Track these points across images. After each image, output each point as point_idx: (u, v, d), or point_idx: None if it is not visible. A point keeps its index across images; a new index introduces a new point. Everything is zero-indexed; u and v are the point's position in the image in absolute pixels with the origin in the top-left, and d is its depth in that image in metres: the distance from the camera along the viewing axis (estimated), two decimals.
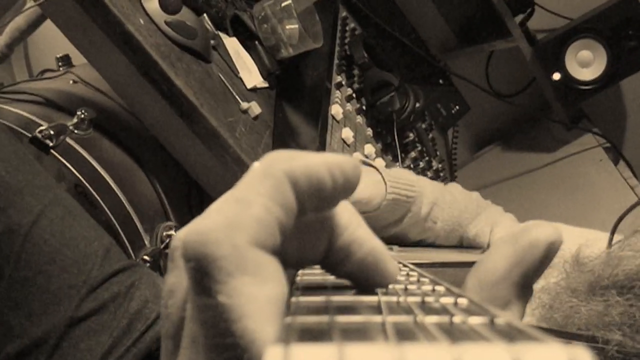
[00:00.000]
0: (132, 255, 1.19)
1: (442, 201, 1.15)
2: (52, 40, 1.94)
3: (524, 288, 0.34)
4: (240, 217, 0.26)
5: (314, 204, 0.29)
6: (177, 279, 0.30)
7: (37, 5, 1.25)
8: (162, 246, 1.26)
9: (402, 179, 1.09)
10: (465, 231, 1.18)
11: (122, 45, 1.16)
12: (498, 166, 1.96)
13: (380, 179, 1.07)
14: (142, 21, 1.19)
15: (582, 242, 0.86)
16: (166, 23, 1.22)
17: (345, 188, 0.30)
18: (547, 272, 0.36)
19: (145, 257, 1.19)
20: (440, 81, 1.85)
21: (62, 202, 1.02)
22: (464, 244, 1.20)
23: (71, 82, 1.44)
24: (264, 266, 0.26)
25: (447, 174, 1.75)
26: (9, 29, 1.67)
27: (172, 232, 1.29)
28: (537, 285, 0.75)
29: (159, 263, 1.22)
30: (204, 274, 0.25)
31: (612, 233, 0.87)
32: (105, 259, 1.01)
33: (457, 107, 1.85)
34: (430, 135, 1.71)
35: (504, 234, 1.10)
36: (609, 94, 1.78)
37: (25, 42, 1.96)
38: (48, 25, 1.72)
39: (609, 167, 1.71)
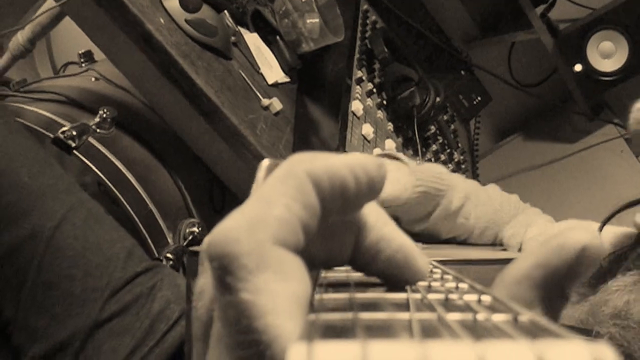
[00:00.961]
0: (155, 252, 1.20)
1: (476, 197, 1.15)
2: (74, 34, 1.94)
3: (551, 292, 0.33)
4: (261, 216, 0.26)
5: (338, 205, 0.29)
6: (207, 281, 0.31)
7: (59, 5, 1.25)
8: (184, 243, 1.27)
9: (432, 172, 1.08)
10: (502, 230, 1.17)
11: (142, 44, 1.17)
12: (519, 156, 1.95)
13: (408, 172, 1.07)
14: (162, 20, 1.19)
15: None
16: (186, 21, 1.23)
17: (369, 190, 0.30)
18: None
19: (169, 255, 1.20)
20: (462, 72, 1.84)
21: (85, 205, 1.04)
22: (497, 243, 1.19)
23: (93, 79, 1.45)
24: (286, 264, 0.26)
25: (469, 165, 1.75)
26: (30, 23, 1.68)
27: (195, 228, 1.30)
28: None
29: (182, 260, 1.23)
30: (226, 271, 0.25)
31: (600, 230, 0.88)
32: (128, 261, 1.03)
33: (479, 98, 1.84)
34: (452, 127, 1.71)
35: (537, 233, 1.10)
36: (631, 84, 1.76)
37: (48, 36, 1.97)
38: (70, 19, 1.73)
39: (630, 158, 1.70)
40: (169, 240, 1.25)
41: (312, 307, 0.26)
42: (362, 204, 0.31)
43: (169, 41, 1.18)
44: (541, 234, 1.09)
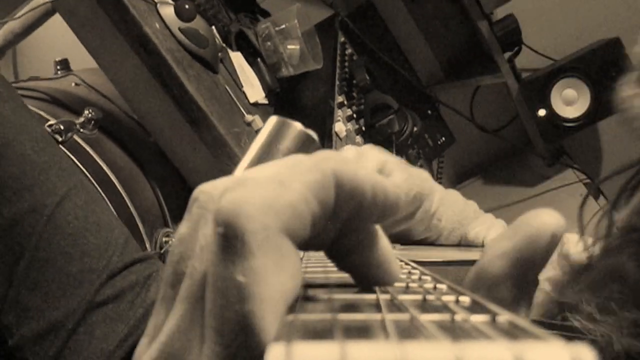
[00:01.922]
0: None
1: (447, 200, 1.18)
2: (41, 48, 1.93)
3: (526, 282, 0.33)
4: (278, 200, 0.26)
5: (348, 214, 0.29)
6: (188, 230, 0.30)
7: (50, 3, 1.24)
8: (161, 251, 1.25)
9: (419, 175, 1.10)
10: (466, 231, 1.20)
11: (137, 47, 1.17)
12: (479, 199, 1.97)
13: None
14: (157, 25, 1.20)
15: None
16: (180, 30, 1.23)
17: (380, 213, 0.30)
18: None
19: None
20: (429, 112, 1.88)
21: (86, 187, 1.02)
22: (462, 244, 1.22)
23: (74, 84, 1.44)
24: (286, 256, 0.26)
25: None
26: (2, 31, 1.66)
27: (170, 238, 1.29)
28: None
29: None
30: (228, 243, 0.24)
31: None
32: (126, 247, 1.01)
33: (444, 138, 1.88)
34: (419, 163, 1.74)
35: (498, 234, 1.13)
36: (587, 132, 1.83)
37: (14, 48, 1.94)
38: (39, 32, 1.71)
39: (589, 202, 1.75)
40: (147, 246, 1.23)
41: (291, 307, 0.26)
42: (369, 222, 0.31)
43: (164, 46, 1.18)
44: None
